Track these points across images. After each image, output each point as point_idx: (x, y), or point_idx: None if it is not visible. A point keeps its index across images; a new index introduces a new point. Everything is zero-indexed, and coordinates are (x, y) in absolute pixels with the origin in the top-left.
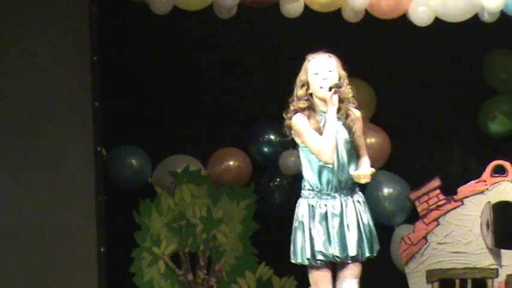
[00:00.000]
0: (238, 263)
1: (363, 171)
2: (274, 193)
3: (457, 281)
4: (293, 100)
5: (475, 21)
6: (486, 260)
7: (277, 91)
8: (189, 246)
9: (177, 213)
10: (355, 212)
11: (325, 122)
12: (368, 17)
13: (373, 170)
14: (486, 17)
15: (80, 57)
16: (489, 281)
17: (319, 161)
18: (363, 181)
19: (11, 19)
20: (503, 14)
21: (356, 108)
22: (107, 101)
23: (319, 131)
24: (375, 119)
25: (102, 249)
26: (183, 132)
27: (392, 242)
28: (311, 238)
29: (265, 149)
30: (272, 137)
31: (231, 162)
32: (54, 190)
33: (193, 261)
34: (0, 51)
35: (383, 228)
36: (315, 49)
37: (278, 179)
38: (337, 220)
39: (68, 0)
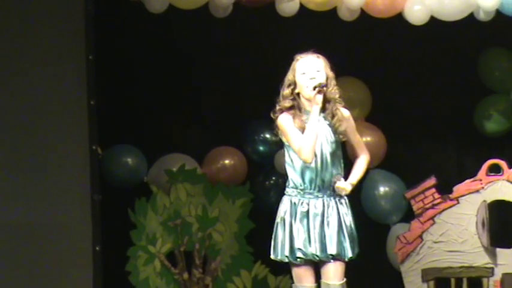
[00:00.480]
0: (234, 262)
1: (343, 185)
2: (270, 192)
3: (453, 280)
4: (279, 99)
5: (470, 20)
6: (482, 259)
7: (273, 90)
8: (185, 245)
9: (173, 212)
10: (337, 213)
11: None
12: (364, 15)
13: (352, 184)
14: (482, 16)
15: (75, 55)
16: (485, 280)
17: None
18: (342, 193)
19: (7, 17)
20: (498, 13)
21: (344, 107)
22: (102, 100)
23: (304, 131)
24: (371, 117)
25: (97, 248)
26: (179, 131)
27: (388, 240)
28: (291, 235)
29: (261, 148)
30: (267, 135)
31: (227, 161)
32: (49, 189)
33: (189, 260)
34: None
35: (379, 227)
36: (309, 48)
37: (274, 178)
38: (318, 219)
39: None
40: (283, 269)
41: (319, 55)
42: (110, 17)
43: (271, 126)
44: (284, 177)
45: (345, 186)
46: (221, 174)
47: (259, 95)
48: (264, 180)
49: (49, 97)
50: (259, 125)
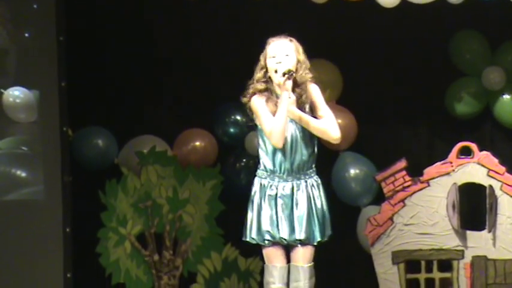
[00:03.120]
0: (204, 244)
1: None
2: (241, 174)
3: (423, 262)
4: (252, 82)
5: (441, 3)
6: (452, 242)
7: (244, 73)
8: (155, 227)
9: (143, 194)
10: (306, 196)
11: None
12: None
13: (294, 109)
14: (453, 0)
15: (46, 37)
16: (455, 262)
17: None
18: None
19: None
20: None
21: (314, 83)
22: (73, 82)
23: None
24: (342, 100)
25: (68, 230)
26: (150, 113)
27: (359, 223)
28: (259, 217)
29: (231, 130)
30: (238, 117)
31: (198, 143)
32: (19, 169)
33: (159, 242)
34: None
35: (349, 209)
36: (280, 32)
37: (244, 160)
38: (286, 203)
39: None
40: (253, 251)
41: (292, 39)
42: None
43: (242, 108)
44: (255, 159)
45: (287, 87)
46: (192, 156)
47: (230, 78)
48: (235, 163)
49: (20, 78)
50: (230, 107)
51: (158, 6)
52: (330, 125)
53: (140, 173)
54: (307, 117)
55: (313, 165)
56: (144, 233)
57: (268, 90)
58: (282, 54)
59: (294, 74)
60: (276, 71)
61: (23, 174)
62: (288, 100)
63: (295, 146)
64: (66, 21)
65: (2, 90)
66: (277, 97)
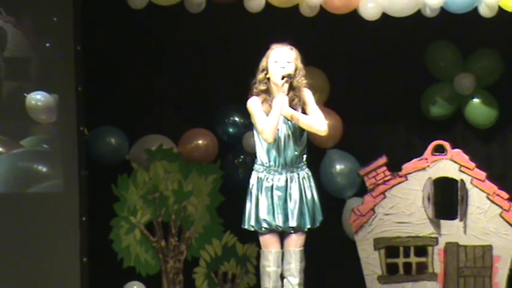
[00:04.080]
0: (206, 231)
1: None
2: (238, 169)
3: (401, 248)
4: (255, 83)
5: (418, 16)
6: (427, 229)
7: (242, 77)
8: (162, 216)
9: (152, 187)
10: (298, 187)
11: None
12: (323, 11)
13: (288, 110)
14: (428, 13)
15: (65, 47)
16: (430, 248)
17: None
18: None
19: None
20: (443, 10)
21: (307, 88)
22: (89, 86)
23: None
24: (329, 103)
25: (83, 218)
26: (158, 114)
27: (344, 213)
28: (257, 207)
29: (231, 130)
30: (237, 118)
31: (200, 141)
32: (41, 164)
33: (166, 230)
34: None
35: (335, 201)
36: (274, 41)
37: (242, 157)
38: (281, 194)
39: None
40: (250, 238)
41: (292, 47)
42: (95, 12)
43: (240, 110)
44: (251, 156)
45: (284, 89)
46: (195, 153)
47: (229, 82)
48: (233, 159)
49: (42, 84)
50: (229, 109)
51: (166, 18)
52: (317, 120)
53: (149, 168)
54: (297, 114)
55: (304, 160)
56: (152, 222)
57: (267, 91)
58: (284, 60)
59: (291, 79)
60: (276, 74)
61: (44, 170)
62: (282, 101)
63: (287, 143)
64: (83, 32)
65: (25, 94)
66: (273, 98)
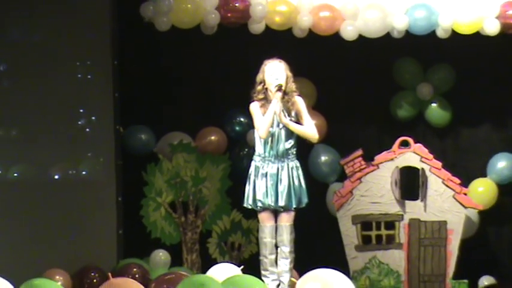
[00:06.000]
0: (217, 209)
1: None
2: (243, 160)
3: (374, 223)
4: (254, 92)
5: (387, 37)
6: (395, 208)
7: (246, 86)
8: (182, 197)
9: (174, 173)
10: (288, 175)
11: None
12: (311, 33)
13: (286, 120)
14: (396, 34)
15: (104, 61)
16: (397, 223)
17: None
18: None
19: (53, 41)
20: (407, 32)
21: (298, 95)
22: (124, 93)
23: None
24: (316, 107)
25: (119, 199)
26: (179, 116)
27: (328, 195)
28: (254, 190)
29: (237, 128)
30: (242, 119)
31: (213, 137)
32: (85, 156)
33: (185, 208)
34: (45, 57)
35: (321, 185)
36: (272, 56)
37: (246, 150)
38: (273, 179)
39: (94, 20)
40: (252, 215)
41: (281, 60)
42: (129, 33)
43: (245, 112)
44: (253, 149)
45: (277, 96)
46: (209, 146)
47: (236, 90)
48: (239, 152)
49: (86, 92)
50: (236, 112)
51: (186, 39)
52: (310, 130)
53: (172, 158)
54: (293, 125)
55: (294, 152)
56: (174, 201)
57: (265, 98)
58: (277, 72)
59: (283, 88)
60: (272, 84)
61: (88, 160)
62: (276, 105)
63: (278, 139)
64: (119, 48)
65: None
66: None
